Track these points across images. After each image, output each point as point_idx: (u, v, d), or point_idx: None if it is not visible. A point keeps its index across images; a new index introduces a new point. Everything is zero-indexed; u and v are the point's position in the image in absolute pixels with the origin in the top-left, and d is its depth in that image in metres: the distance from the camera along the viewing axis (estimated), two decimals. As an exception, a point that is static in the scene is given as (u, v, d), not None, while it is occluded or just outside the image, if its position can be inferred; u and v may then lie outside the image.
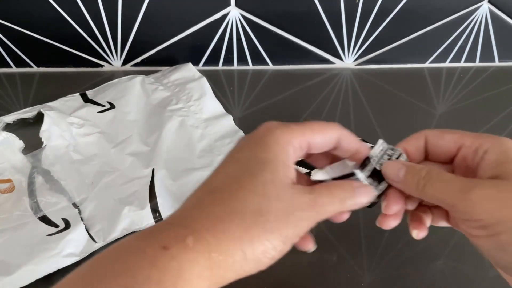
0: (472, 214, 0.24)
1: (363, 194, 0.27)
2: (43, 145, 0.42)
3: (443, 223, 0.30)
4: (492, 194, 0.23)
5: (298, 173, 0.28)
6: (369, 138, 0.48)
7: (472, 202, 0.23)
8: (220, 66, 0.60)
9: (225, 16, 0.54)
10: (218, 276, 0.22)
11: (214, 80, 0.56)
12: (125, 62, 0.59)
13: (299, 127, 0.27)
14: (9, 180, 0.40)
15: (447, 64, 0.61)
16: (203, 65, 0.59)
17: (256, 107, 0.53)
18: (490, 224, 0.23)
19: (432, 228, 0.40)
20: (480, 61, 0.61)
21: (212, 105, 0.52)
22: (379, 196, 0.29)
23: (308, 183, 0.29)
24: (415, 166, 0.27)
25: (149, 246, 0.21)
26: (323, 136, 0.27)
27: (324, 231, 0.40)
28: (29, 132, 0.46)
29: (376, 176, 0.29)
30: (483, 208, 0.23)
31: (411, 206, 0.29)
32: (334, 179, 0.29)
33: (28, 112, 0.48)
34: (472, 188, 0.24)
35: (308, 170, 0.30)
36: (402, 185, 0.27)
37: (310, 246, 0.29)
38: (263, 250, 0.23)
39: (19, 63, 0.58)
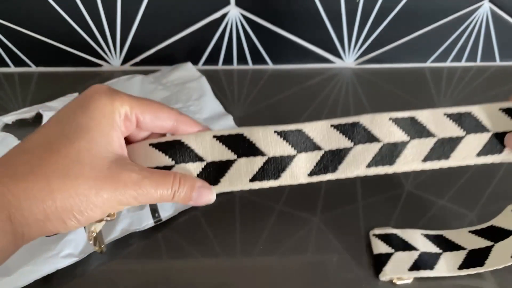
0: None
1: (201, 192, 0.27)
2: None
3: None
4: None
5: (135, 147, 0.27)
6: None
7: None
8: (219, 66, 0.59)
9: (224, 15, 0.54)
10: (23, 231, 0.22)
11: (214, 79, 0.56)
12: (124, 62, 0.58)
13: (129, 98, 0.26)
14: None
15: (448, 63, 0.61)
16: (203, 64, 0.59)
17: (256, 107, 0.53)
18: None
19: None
20: (481, 60, 0.61)
21: (212, 104, 0.51)
22: None
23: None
24: None
25: None
26: (154, 117, 0.27)
27: (324, 231, 0.40)
28: (28, 132, 0.46)
29: None
30: None
31: None
32: None
33: (27, 113, 0.48)
34: None
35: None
36: None
37: (210, 197, 0.28)
38: (67, 214, 0.23)
39: (18, 62, 0.58)
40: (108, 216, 0.26)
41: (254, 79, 0.58)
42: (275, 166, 0.29)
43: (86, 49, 0.56)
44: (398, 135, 0.30)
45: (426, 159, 0.30)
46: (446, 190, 0.43)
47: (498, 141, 0.30)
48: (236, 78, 0.58)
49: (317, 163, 0.30)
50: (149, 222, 0.40)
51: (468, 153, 0.30)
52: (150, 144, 0.28)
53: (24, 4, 0.52)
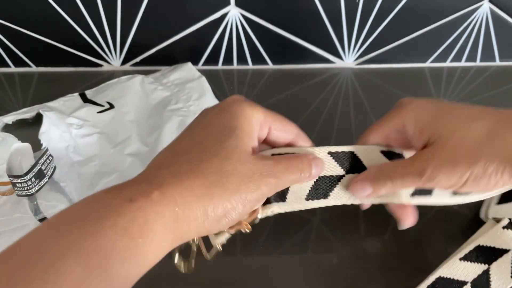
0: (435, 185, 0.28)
1: (317, 166, 0.29)
2: (43, 147, 0.42)
3: None
4: (444, 170, 0.27)
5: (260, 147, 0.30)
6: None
7: (434, 181, 0.28)
8: (219, 66, 0.59)
9: (224, 15, 0.54)
10: (182, 230, 0.24)
11: (214, 79, 0.56)
12: (124, 62, 0.58)
13: (263, 109, 0.29)
14: (9, 183, 0.39)
15: (447, 63, 0.61)
16: (203, 64, 0.59)
17: (256, 107, 0.53)
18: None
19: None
20: (481, 60, 0.61)
21: (212, 105, 0.51)
22: None
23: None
24: (372, 175, 0.30)
25: (115, 198, 0.22)
26: (284, 126, 0.30)
27: (324, 231, 0.40)
28: (28, 132, 0.46)
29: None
30: (442, 182, 0.28)
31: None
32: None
33: (27, 113, 0.48)
34: (425, 172, 0.28)
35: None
36: (375, 194, 0.30)
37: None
38: (223, 210, 0.24)
39: (18, 62, 0.58)
40: (247, 226, 0.28)
41: (254, 79, 0.58)
42: None
43: (87, 49, 0.56)
44: None
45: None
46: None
47: None
48: (236, 78, 0.58)
49: None
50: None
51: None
52: (272, 154, 0.30)
53: (25, 5, 0.52)
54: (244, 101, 0.28)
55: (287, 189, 0.30)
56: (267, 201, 0.30)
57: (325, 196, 0.31)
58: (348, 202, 0.32)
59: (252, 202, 0.25)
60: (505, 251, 0.34)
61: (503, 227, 0.35)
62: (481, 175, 0.27)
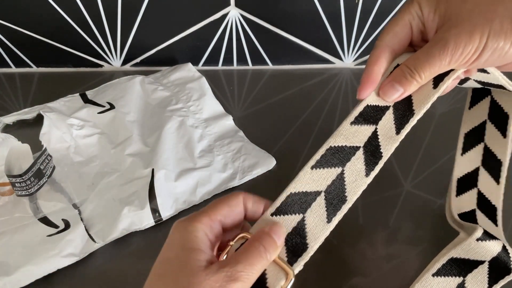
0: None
1: (278, 232, 0.27)
2: (43, 148, 0.42)
3: None
4: (465, 34, 0.27)
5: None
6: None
7: (458, 51, 0.27)
8: (219, 66, 0.60)
9: (224, 16, 0.54)
10: None
11: (214, 80, 0.56)
12: (124, 62, 0.59)
13: (202, 212, 0.27)
14: (9, 184, 0.40)
15: (446, 64, 0.61)
16: (203, 65, 0.59)
17: (256, 107, 0.53)
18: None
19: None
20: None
21: (211, 105, 0.52)
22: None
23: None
24: (397, 72, 0.29)
25: None
26: (228, 207, 0.28)
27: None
28: (28, 133, 0.46)
29: None
30: (466, 48, 0.27)
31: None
32: None
33: (27, 113, 0.48)
34: (448, 44, 0.27)
35: None
36: (404, 90, 0.30)
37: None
38: None
39: (19, 63, 0.58)
40: None
41: (254, 79, 0.58)
42: None
43: (87, 49, 0.57)
44: None
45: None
46: (444, 190, 0.43)
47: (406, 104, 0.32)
48: (236, 79, 0.58)
49: None
50: (149, 222, 0.40)
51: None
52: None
53: (25, 5, 0.52)
54: (183, 221, 0.27)
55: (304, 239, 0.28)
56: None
57: (344, 199, 0.29)
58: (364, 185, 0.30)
59: None
60: (481, 262, 0.33)
61: (477, 239, 0.33)
62: (498, 32, 0.26)
